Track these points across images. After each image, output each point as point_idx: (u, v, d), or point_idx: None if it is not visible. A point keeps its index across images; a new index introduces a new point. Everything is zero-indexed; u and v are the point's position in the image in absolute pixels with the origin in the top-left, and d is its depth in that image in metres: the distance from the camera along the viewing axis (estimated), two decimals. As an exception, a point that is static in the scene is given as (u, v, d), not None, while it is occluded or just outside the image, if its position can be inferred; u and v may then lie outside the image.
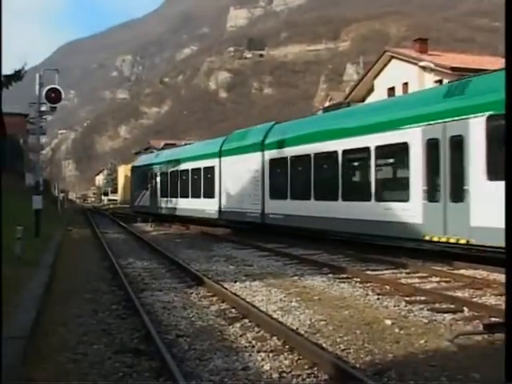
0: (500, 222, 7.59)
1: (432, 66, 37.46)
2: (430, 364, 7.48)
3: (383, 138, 19.28)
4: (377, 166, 19.93)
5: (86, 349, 8.36)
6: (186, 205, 37.85)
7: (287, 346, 8.27)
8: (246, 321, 10.00)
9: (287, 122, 29.04)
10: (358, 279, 14.55)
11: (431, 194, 17.26)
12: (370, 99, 42.30)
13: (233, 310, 10.90)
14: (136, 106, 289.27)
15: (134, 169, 56.08)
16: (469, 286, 13.28)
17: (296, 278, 15.16)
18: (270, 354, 7.95)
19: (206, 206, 34.13)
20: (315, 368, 7.28)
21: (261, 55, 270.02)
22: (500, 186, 12.59)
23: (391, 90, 42.16)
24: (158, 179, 44.89)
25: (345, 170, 21.71)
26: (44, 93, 25.11)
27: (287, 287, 13.56)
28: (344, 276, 15.10)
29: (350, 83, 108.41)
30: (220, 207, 32.46)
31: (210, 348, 8.33)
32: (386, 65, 43.92)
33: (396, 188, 19.62)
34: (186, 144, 45.09)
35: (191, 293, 12.96)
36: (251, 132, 30.75)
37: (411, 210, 17.82)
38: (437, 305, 11.23)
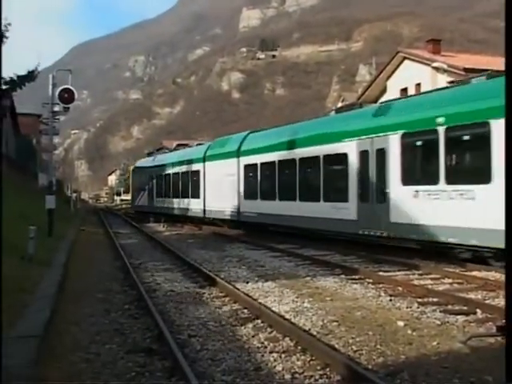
0: (410, 219, 15.89)
1: (445, 66, 37.32)
2: (443, 366, 7.46)
3: (329, 148, 22.96)
4: (324, 172, 23.55)
5: (98, 348, 8.40)
6: (177, 204, 42.34)
7: (299, 347, 8.27)
8: (259, 321, 10.01)
9: (259, 131, 32.72)
10: (371, 280, 14.53)
11: (363, 196, 20.81)
12: (383, 100, 42.19)
13: (245, 311, 10.91)
14: (149, 106, 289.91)
15: (134, 170, 60.44)
16: (482, 287, 13.24)
17: (308, 278, 15.15)
18: (283, 355, 7.95)
19: (193, 206, 38.47)
20: (328, 369, 7.29)
21: (273, 56, 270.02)
22: (411, 189, 17.34)
23: (404, 91, 42.00)
24: (155, 181, 49.37)
25: (301, 176, 25.37)
26: (57, 93, 25.18)
27: (299, 288, 13.56)
28: (356, 277, 15.08)
29: (363, 84, 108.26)
30: (204, 206, 36.51)
31: (222, 348, 8.35)
32: (398, 65, 43.80)
33: (339, 191, 22.55)
34: (198, 144, 45.37)
35: (204, 293, 12.97)
36: (230, 140, 34.57)
37: (349, 209, 21.46)
38: (449, 306, 11.20)
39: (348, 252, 20.48)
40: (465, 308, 10.95)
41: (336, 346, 8.45)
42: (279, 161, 27.07)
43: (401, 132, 18.88)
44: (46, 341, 7.93)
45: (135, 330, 9.57)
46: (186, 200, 40.28)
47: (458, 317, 10.26)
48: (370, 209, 20.33)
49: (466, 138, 16.66)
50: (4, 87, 35.35)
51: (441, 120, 17.28)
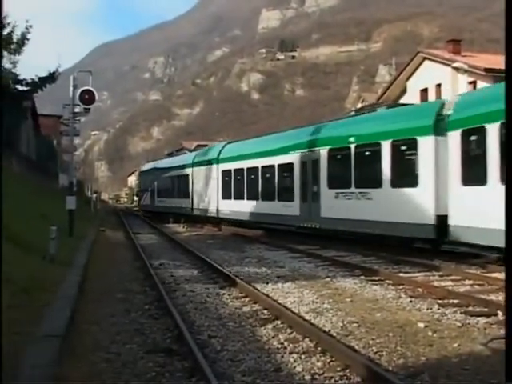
0: (335, 214, 23.18)
1: (465, 67, 37.07)
2: (464, 368, 7.43)
3: (282, 159, 28.61)
4: (278, 177, 29.27)
5: (118, 348, 8.44)
6: (171, 203, 49.54)
7: (319, 348, 8.28)
8: (278, 322, 10.01)
9: (235, 142, 40.15)
10: (391, 281, 14.49)
11: (303, 197, 26.33)
12: (403, 100, 41.98)
13: (265, 311, 10.91)
14: (168, 107, 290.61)
15: (140, 174, 71.71)
16: (502, 289, 13.12)
17: (328, 279, 15.15)
18: (302, 356, 7.95)
19: (184, 204, 45.06)
20: (348, 370, 7.28)
21: (293, 57, 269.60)
22: (333, 191, 23.64)
23: (424, 92, 41.86)
24: (156, 183, 57.27)
25: (263, 180, 31.08)
26: (78, 94, 25.31)
27: (319, 289, 13.55)
28: (376, 278, 15.06)
29: (383, 84, 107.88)
30: (192, 205, 42.84)
31: (242, 349, 8.37)
32: (418, 66, 43.58)
33: (288, 192, 27.80)
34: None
35: (223, 294, 13.00)
36: (212, 149, 41.36)
37: (294, 207, 26.98)
38: (470, 308, 11.15)
39: (368, 253, 20.45)
40: (486, 310, 10.89)
41: (356, 347, 8.44)
42: (247, 168, 32.98)
43: (327, 147, 24.31)
44: (67, 340, 7.98)
45: (155, 330, 9.60)
46: (179, 200, 47.05)
47: (479, 318, 10.21)
48: (308, 207, 25.84)
49: (368, 153, 21.95)
50: (25, 89, 35.73)
51: (352, 139, 22.53)
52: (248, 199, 32.79)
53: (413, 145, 19.35)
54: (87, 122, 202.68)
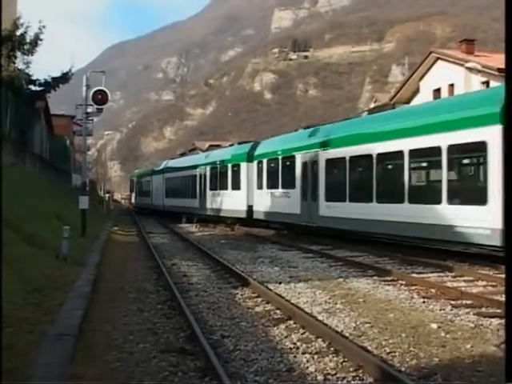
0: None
1: (479, 67, 36.88)
2: (477, 369, 7.41)
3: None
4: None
5: (131, 347, 8.46)
6: (149, 201, 63.81)
7: (332, 348, 8.27)
8: (291, 322, 10.01)
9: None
10: (403, 282, 14.46)
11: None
12: (416, 101, 41.90)
13: (278, 311, 10.91)
14: (181, 107, 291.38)
15: (131, 177, 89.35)
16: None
17: (341, 280, 15.12)
18: (315, 356, 7.95)
19: (157, 202, 58.26)
20: (360, 371, 7.28)
21: (305, 56, 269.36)
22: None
23: (437, 92, 41.70)
24: (137, 186, 76.60)
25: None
26: (91, 94, 25.33)
27: (332, 289, 13.53)
28: (389, 278, 15.02)
29: (396, 84, 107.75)
30: (163, 202, 54.97)
31: (254, 349, 8.37)
32: (431, 66, 43.44)
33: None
34: (230, 145, 46.20)
35: (236, 293, 13.01)
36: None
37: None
38: (483, 309, 11.11)
39: (381, 253, 20.38)
40: (499, 311, 10.83)
41: (369, 347, 8.43)
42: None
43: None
44: (80, 339, 8.02)
45: (168, 329, 9.62)
46: (152, 198, 61.76)
47: (492, 320, 10.17)
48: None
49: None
50: (39, 89, 35.86)
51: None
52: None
53: (238, 167, 35.31)
54: (100, 122, 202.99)
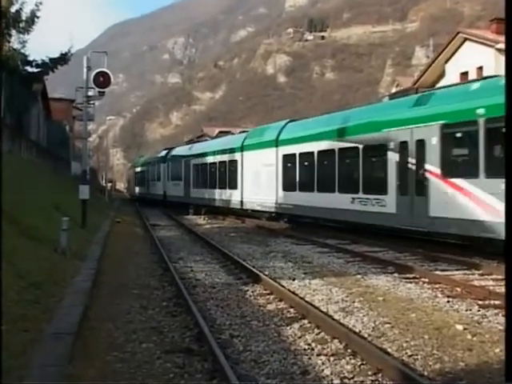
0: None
1: (510, 48, 36.61)
2: (506, 375, 7.35)
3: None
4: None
5: (134, 347, 8.46)
6: (146, 190, 68.76)
7: (349, 350, 8.25)
8: (305, 321, 10.01)
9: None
10: (426, 280, 14.42)
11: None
12: (441, 85, 41.68)
13: (291, 310, 10.91)
14: (188, 90, 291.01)
15: (129, 167, 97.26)
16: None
17: (359, 276, 15.10)
18: (331, 358, 7.93)
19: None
20: (380, 374, 7.25)
21: (322, 37, 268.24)
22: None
23: (464, 75, 41.43)
24: (134, 175, 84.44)
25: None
26: (92, 77, 25.24)
27: (349, 286, 13.52)
28: (411, 276, 14.98)
29: (419, 68, 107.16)
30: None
31: (266, 350, 8.36)
32: (458, 47, 43.18)
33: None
34: (241, 132, 46.21)
35: (246, 290, 13.02)
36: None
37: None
38: (513, 310, 11.02)
39: (402, 249, 20.34)
40: (530, 311, 10.77)
41: (389, 349, 8.40)
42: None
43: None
44: (79, 338, 8.03)
45: (173, 328, 9.63)
46: (149, 187, 67.19)
47: (523, 321, 10.10)
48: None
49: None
50: (36, 70, 35.78)
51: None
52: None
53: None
54: (102, 107, 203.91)
